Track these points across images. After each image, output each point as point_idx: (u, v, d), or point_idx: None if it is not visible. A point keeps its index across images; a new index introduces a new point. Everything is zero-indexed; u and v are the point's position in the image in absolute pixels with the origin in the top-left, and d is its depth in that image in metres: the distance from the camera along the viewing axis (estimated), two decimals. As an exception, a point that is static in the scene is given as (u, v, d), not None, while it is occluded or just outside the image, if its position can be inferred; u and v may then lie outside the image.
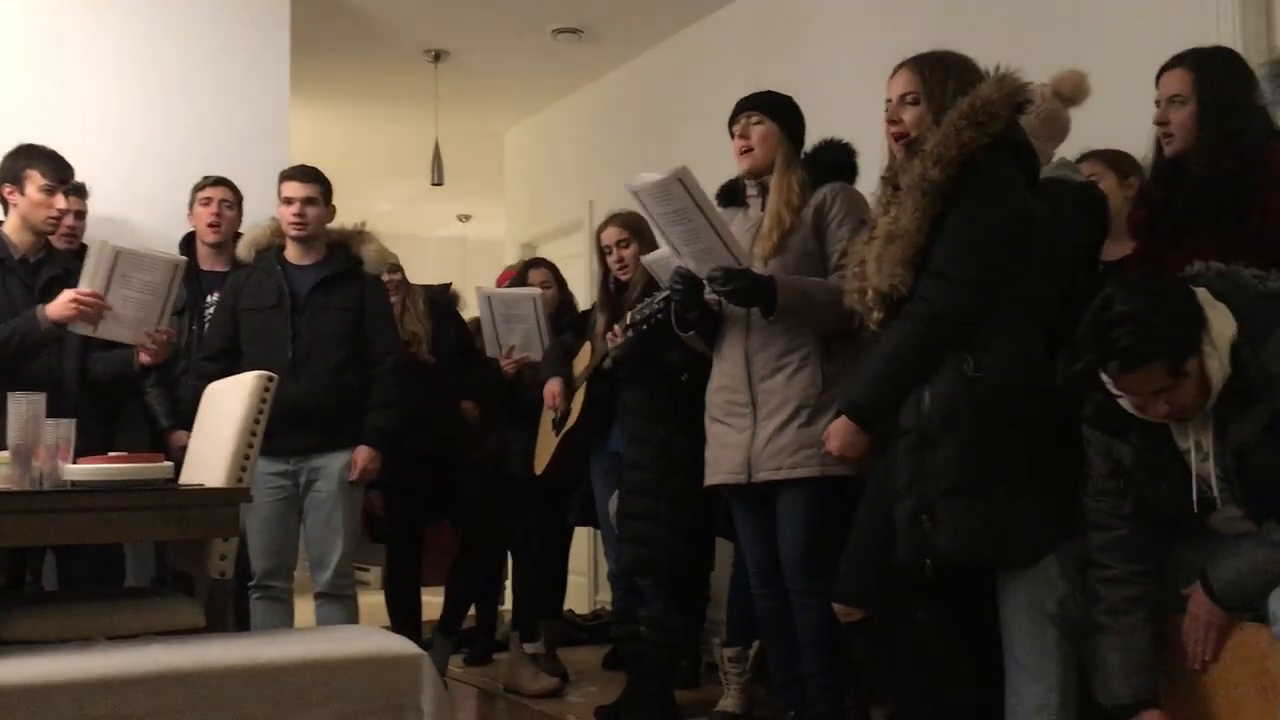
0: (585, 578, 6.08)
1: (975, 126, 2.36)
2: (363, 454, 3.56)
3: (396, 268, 4.31)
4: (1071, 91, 2.92)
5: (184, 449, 3.27)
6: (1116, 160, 3.21)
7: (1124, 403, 2.12)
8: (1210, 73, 2.55)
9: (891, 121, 2.55)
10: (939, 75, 2.48)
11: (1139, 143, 3.15)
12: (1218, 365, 2.02)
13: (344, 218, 3.89)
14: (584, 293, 5.54)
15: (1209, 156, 2.50)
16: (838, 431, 2.56)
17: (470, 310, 4.70)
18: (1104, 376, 2.10)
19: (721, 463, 3.04)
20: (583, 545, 5.83)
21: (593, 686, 4.32)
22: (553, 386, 4.01)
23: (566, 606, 5.37)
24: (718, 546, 4.00)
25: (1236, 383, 2.03)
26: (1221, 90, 2.48)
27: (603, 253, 3.85)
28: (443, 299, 4.52)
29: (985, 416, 2.31)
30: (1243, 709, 2.08)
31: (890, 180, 2.51)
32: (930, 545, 2.32)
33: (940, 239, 2.38)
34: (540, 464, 4.15)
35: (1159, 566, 2.24)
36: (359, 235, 3.82)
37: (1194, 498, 2.13)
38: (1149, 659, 2.17)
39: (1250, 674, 2.07)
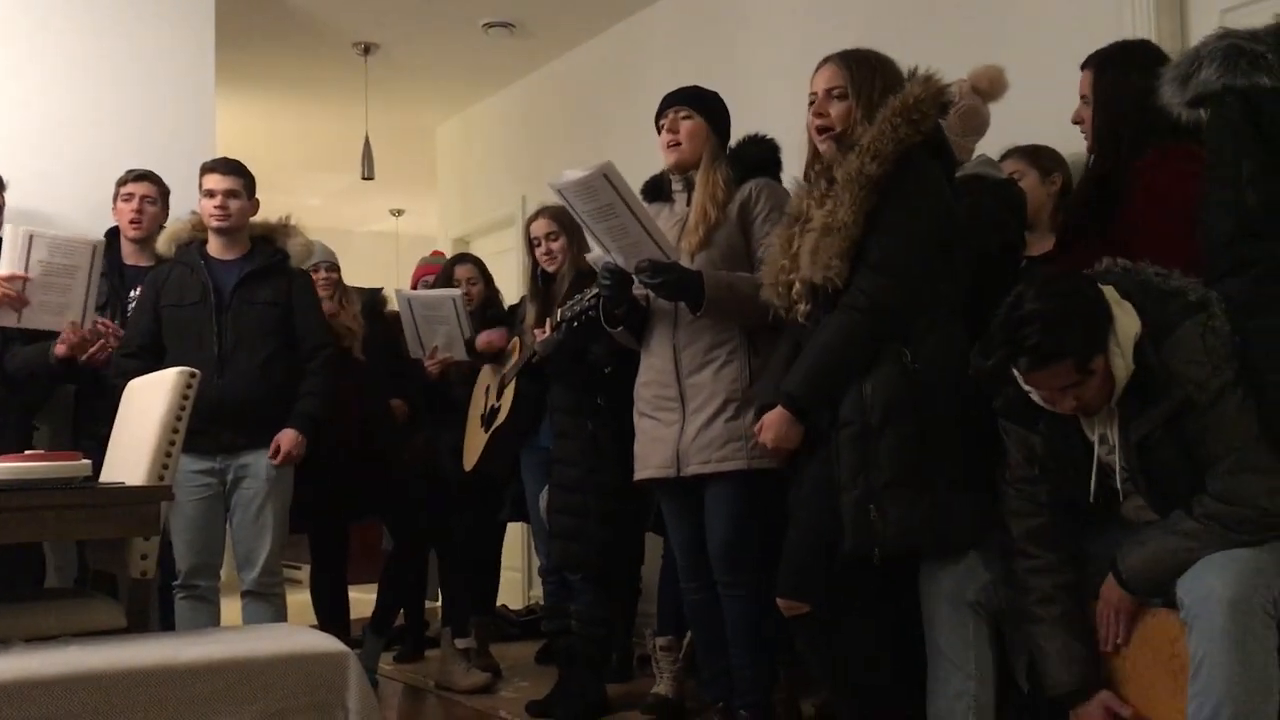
0: (519, 573, 6.07)
1: (910, 124, 2.42)
2: (288, 437, 3.52)
3: (334, 266, 4.27)
4: (990, 87, 2.97)
5: None
6: (1038, 157, 3.26)
7: (1034, 396, 2.17)
8: (1106, 73, 2.61)
9: (818, 115, 2.57)
10: (866, 72, 2.52)
11: (1062, 139, 3.23)
12: (1122, 363, 2.08)
13: (274, 212, 3.85)
14: (517, 287, 5.53)
15: (1096, 157, 2.56)
16: (773, 422, 2.55)
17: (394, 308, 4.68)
18: (1015, 372, 2.14)
19: (650, 457, 3.05)
20: (517, 541, 5.82)
21: (525, 682, 4.32)
22: (492, 335, 4.02)
23: (500, 602, 5.36)
24: (648, 540, 4.02)
25: (1140, 378, 2.08)
26: (1112, 91, 2.53)
27: (531, 244, 3.84)
28: (371, 301, 4.49)
29: (926, 408, 2.36)
30: (1154, 691, 2.14)
31: (824, 174, 2.53)
32: (879, 535, 2.35)
33: (876, 233, 2.42)
34: (470, 460, 4.14)
35: (1080, 554, 2.28)
36: (284, 229, 3.77)
37: (1092, 488, 2.18)
38: (1088, 644, 2.21)
39: (1160, 658, 2.13)
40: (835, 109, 2.54)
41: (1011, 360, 2.11)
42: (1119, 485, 2.18)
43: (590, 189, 2.78)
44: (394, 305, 4.57)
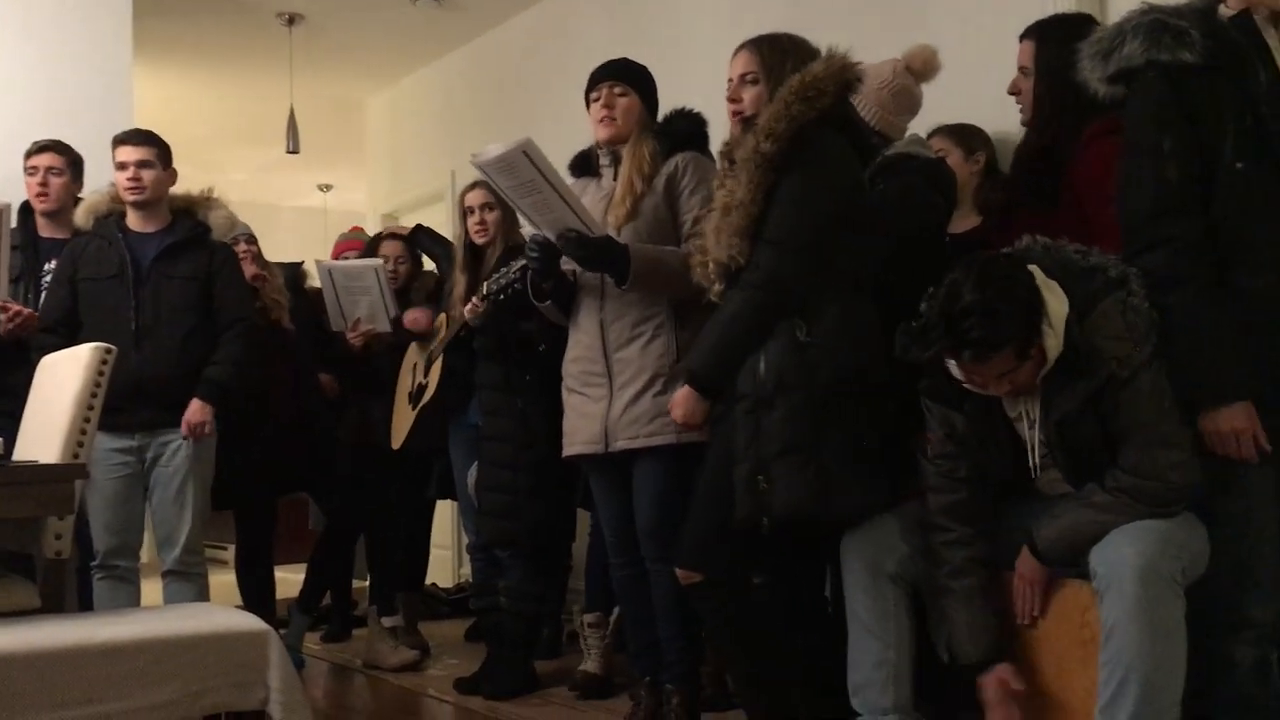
0: (449, 551, 6.04)
1: (804, 102, 2.43)
2: (193, 407, 3.43)
3: (253, 239, 4.20)
4: (922, 67, 2.99)
5: None
6: (964, 136, 3.30)
7: (967, 384, 2.19)
8: (1048, 44, 2.63)
9: (732, 100, 2.60)
10: (777, 55, 2.54)
11: (989, 117, 3.27)
12: (1054, 344, 2.11)
13: (197, 185, 3.77)
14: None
15: (1035, 130, 2.58)
16: (681, 400, 2.59)
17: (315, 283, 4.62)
18: (949, 361, 2.16)
19: (578, 433, 3.05)
20: (446, 518, 5.80)
21: (454, 659, 4.31)
22: (418, 314, 3.99)
23: (430, 580, 5.34)
24: (579, 516, 4.02)
25: (1064, 357, 2.12)
26: (1056, 62, 2.55)
27: (465, 213, 3.80)
28: (292, 275, 4.41)
29: (815, 379, 2.38)
30: (1066, 660, 2.19)
31: (726, 154, 2.56)
32: (766, 504, 2.38)
33: (772, 210, 2.44)
34: (397, 437, 4.10)
35: (994, 527, 2.32)
36: (205, 202, 3.70)
37: (1012, 463, 2.22)
38: (993, 618, 2.25)
39: (1072, 628, 2.17)
40: (748, 94, 2.57)
41: (953, 353, 2.12)
42: (1036, 460, 2.21)
43: (510, 165, 2.77)
44: (315, 280, 4.51)
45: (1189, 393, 2.07)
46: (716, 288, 2.53)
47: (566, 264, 3.03)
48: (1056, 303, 2.12)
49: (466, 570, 5.47)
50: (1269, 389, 2.03)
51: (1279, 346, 2.04)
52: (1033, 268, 2.17)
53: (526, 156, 2.73)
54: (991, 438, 2.25)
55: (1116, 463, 2.10)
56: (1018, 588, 2.23)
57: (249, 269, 3.96)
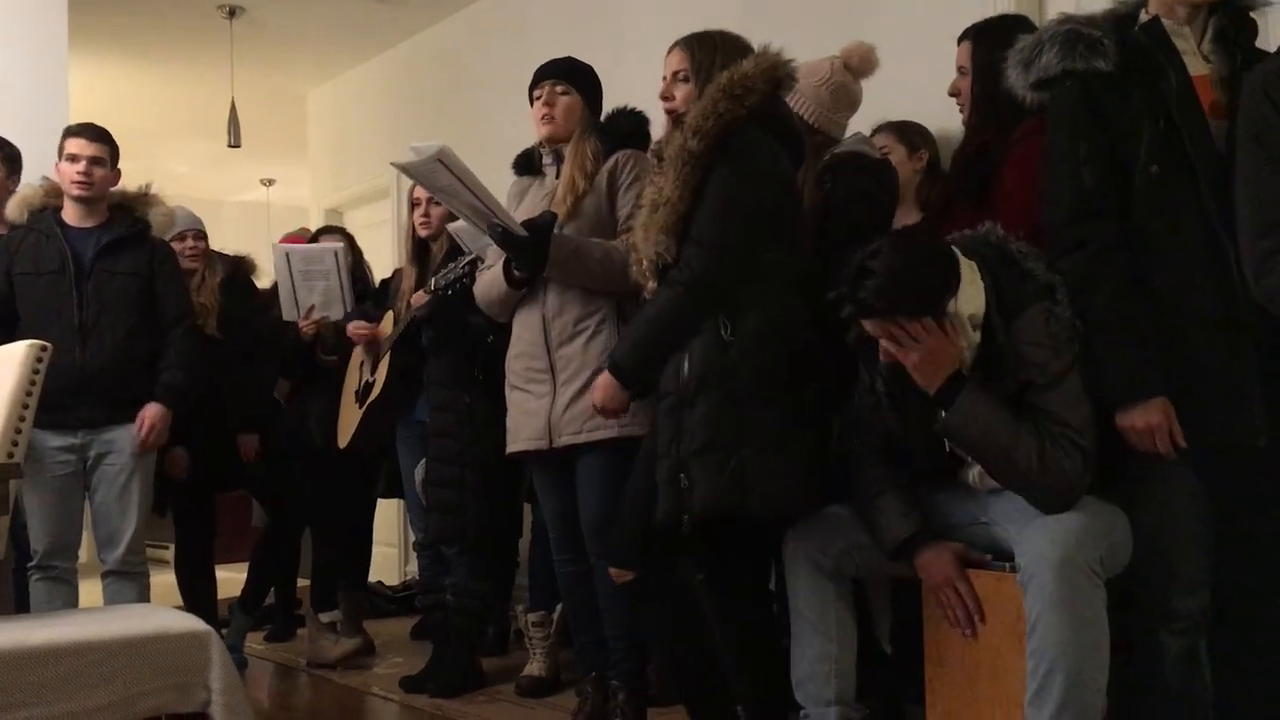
0: (395, 549, 6.01)
1: (732, 100, 2.44)
2: (153, 410, 3.41)
3: (202, 234, 4.14)
4: (860, 64, 3.02)
5: None
6: (907, 133, 3.33)
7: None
8: (985, 44, 2.67)
9: (665, 98, 2.62)
10: (708, 53, 2.55)
11: (933, 115, 3.31)
12: (965, 341, 2.15)
13: (137, 180, 3.71)
14: (392, 261, 5.45)
15: (972, 129, 2.62)
16: (601, 385, 2.60)
17: (266, 278, 4.56)
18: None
19: (522, 429, 3.05)
20: (392, 516, 5.76)
21: (399, 657, 4.29)
22: (355, 322, 3.97)
23: (376, 578, 5.30)
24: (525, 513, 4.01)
25: (988, 353, 2.15)
26: (990, 64, 2.59)
27: (412, 205, 3.79)
28: (236, 269, 4.32)
29: (736, 376, 2.40)
30: (1001, 654, 2.22)
31: (657, 153, 2.57)
32: (686, 503, 2.39)
33: (700, 208, 2.45)
34: (344, 437, 4.07)
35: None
36: (144, 198, 3.64)
37: (927, 442, 2.25)
38: (915, 501, 2.29)
39: (1006, 621, 2.20)
40: (680, 91, 2.58)
41: (846, 305, 2.18)
42: (963, 450, 2.24)
43: (429, 172, 2.77)
44: (264, 275, 4.45)
45: (1107, 391, 2.12)
46: (651, 285, 2.54)
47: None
48: (967, 299, 2.15)
49: (413, 568, 5.44)
50: (1184, 386, 2.07)
51: (1193, 344, 2.09)
52: (969, 262, 2.19)
53: (442, 164, 2.74)
54: (905, 403, 2.28)
55: None
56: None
57: (190, 266, 3.91)
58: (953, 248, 2.23)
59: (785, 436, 2.40)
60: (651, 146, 2.65)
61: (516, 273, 2.98)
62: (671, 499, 2.41)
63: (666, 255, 2.46)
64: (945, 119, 3.29)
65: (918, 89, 3.32)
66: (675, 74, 2.59)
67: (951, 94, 2.82)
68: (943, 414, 2.17)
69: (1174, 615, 2.11)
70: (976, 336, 2.15)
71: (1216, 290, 2.07)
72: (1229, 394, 2.07)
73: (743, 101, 2.43)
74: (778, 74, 2.50)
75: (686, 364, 2.43)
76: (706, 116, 2.42)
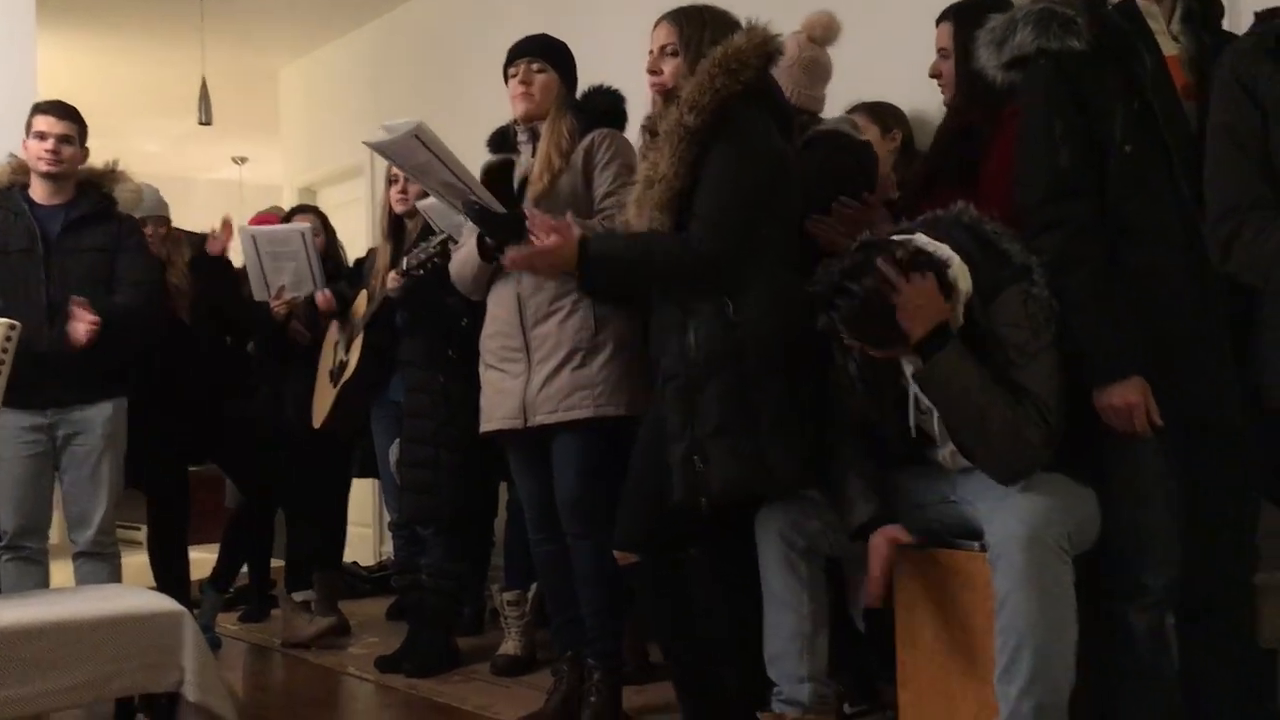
0: (370, 529, 6.00)
1: (728, 74, 2.43)
2: (82, 312, 3.27)
3: (164, 220, 4.09)
4: (823, 33, 3.03)
5: None
6: (880, 114, 3.34)
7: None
8: (966, 25, 2.67)
9: (652, 73, 2.60)
10: (696, 27, 2.54)
11: (907, 96, 3.32)
12: (953, 320, 2.16)
13: (108, 157, 3.66)
14: (366, 239, 5.42)
15: (955, 111, 2.62)
16: (561, 248, 2.47)
17: (236, 258, 4.52)
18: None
19: (497, 409, 3.04)
20: (367, 497, 5.75)
21: (374, 638, 4.28)
22: (323, 293, 3.94)
23: (351, 559, 5.29)
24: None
25: (966, 332, 2.16)
26: (972, 45, 2.58)
27: (389, 181, 3.77)
28: (203, 246, 4.25)
29: (747, 359, 2.40)
30: (974, 630, 2.24)
31: (649, 128, 2.56)
32: (704, 484, 2.40)
33: (701, 185, 2.44)
34: (319, 417, 4.06)
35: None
36: (111, 175, 3.60)
37: (899, 420, 2.27)
38: (879, 484, 2.32)
39: (976, 600, 2.23)
40: (668, 66, 2.56)
41: (825, 315, 2.19)
42: (935, 427, 2.26)
43: (405, 149, 2.75)
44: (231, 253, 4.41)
45: (1084, 370, 2.13)
46: None
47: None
48: (963, 288, 2.16)
49: (388, 549, 5.44)
50: (1160, 365, 2.09)
51: (1169, 323, 2.10)
52: (953, 257, 2.19)
53: (419, 140, 2.71)
54: (879, 386, 2.29)
55: None
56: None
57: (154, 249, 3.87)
58: (945, 259, 2.20)
59: (798, 413, 2.41)
60: (643, 122, 2.62)
61: (489, 241, 2.97)
62: (687, 482, 2.41)
63: (661, 231, 2.45)
64: (918, 99, 3.29)
65: (891, 69, 3.32)
66: (663, 48, 2.57)
67: (932, 75, 2.81)
68: (920, 363, 2.17)
69: (1143, 592, 2.13)
70: (960, 318, 2.16)
71: (1191, 269, 2.08)
72: (1204, 372, 2.08)
73: (738, 77, 2.42)
74: (769, 49, 2.50)
75: (692, 344, 2.43)
76: (703, 92, 2.41)
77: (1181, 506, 2.13)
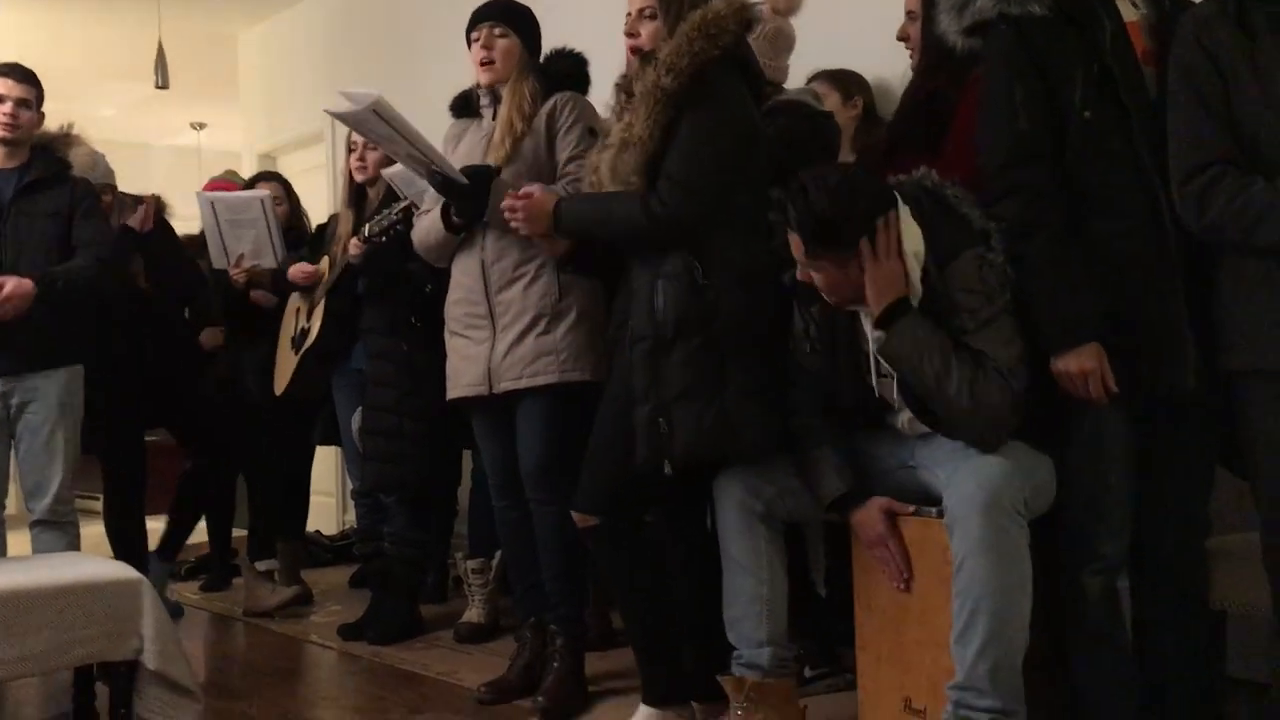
0: (333, 498, 5.97)
1: (706, 39, 2.43)
2: (14, 280, 3.20)
3: (109, 188, 4.01)
4: (787, 5, 3.02)
5: None
6: (842, 80, 3.33)
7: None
8: None
9: (630, 35, 2.58)
10: None
11: (870, 64, 3.31)
12: (912, 289, 2.16)
13: (61, 121, 3.62)
14: (327, 206, 5.36)
15: (921, 75, 2.62)
16: (540, 203, 2.61)
17: (182, 225, 4.47)
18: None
19: (462, 375, 3.03)
20: (330, 465, 5.72)
21: (337, 605, 4.28)
22: (304, 267, 3.89)
23: (314, 528, 5.27)
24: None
25: (921, 300, 2.17)
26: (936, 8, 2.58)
27: (349, 148, 3.74)
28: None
29: (715, 322, 2.41)
30: (930, 596, 2.26)
31: (624, 87, 2.55)
32: (668, 447, 2.40)
33: (674, 146, 2.44)
34: (280, 384, 4.03)
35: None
36: (65, 139, 3.56)
37: (860, 386, 2.28)
38: (850, 456, 2.33)
39: (933, 565, 2.25)
40: (646, 29, 2.56)
41: (777, 214, 2.21)
42: (895, 389, 2.27)
43: (364, 121, 2.73)
44: (176, 215, 4.35)
45: (1041, 336, 2.14)
46: None
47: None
48: (913, 236, 2.17)
49: (351, 518, 5.43)
50: (1117, 330, 2.11)
51: (1126, 288, 2.11)
52: (904, 209, 2.21)
53: (377, 115, 2.69)
54: (836, 349, 2.30)
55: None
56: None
57: None
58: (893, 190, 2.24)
59: (765, 379, 2.42)
60: (617, 80, 2.61)
61: (455, 219, 2.95)
62: (651, 444, 2.42)
63: None
64: (880, 66, 3.29)
65: (852, 36, 3.32)
66: (641, 11, 2.56)
67: (900, 38, 2.81)
68: (881, 335, 2.19)
69: (1098, 556, 2.16)
70: (918, 277, 2.16)
71: (1148, 235, 2.09)
72: (1160, 339, 2.10)
73: (716, 42, 2.42)
74: (747, 15, 2.50)
75: (661, 307, 2.43)
76: (681, 54, 2.41)
77: (1136, 472, 2.15)
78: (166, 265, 4.10)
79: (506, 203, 2.66)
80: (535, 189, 2.65)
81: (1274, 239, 1.92)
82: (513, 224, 2.67)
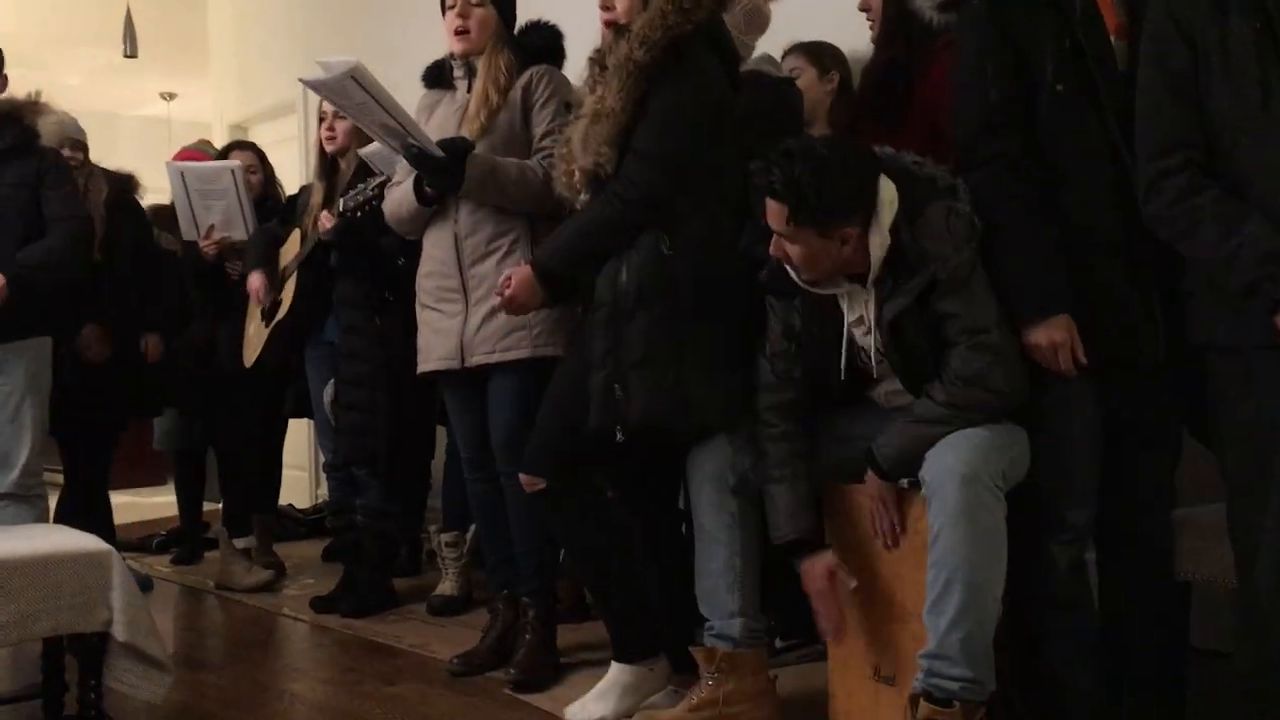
0: (305, 472, 5.95)
1: (680, 13, 2.42)
2: None
3: (80, 144, 3.96)
4: None
5: None
6: (818, 54, 3.32)
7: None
8: None
9: (604, 8, 2.57)
10: None
11: (847, 37, 3.31)
12: (879, 241, 2.16)
13: (26, 89, 3.55)
14: (299, 177, 5.32)
15: (882, 47, 2.62)
16: (520, 278, 2.58)
17: (152, 197, 4.41)
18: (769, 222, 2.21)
19: (433, 349, 3.02)
20: (302, 438, 5.69)
21: (310, 579, 4.27)
22: (255, 281, 3.85)
23: (286, 501, 5.25)
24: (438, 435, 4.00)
25: (895, 258, 2.17)
26: None
27: (320, 119, 3.71)
28: (122, 188, 4.08)
29: (678, 292, 2.41)
30: (901, 566, 2.28)
31: (598, 60, 2.53)
32: (621, 414, 2.40)
33: (643, 120, 2.43)
34: (250, 356, 4.00)
35: (832, 434, 2.40)
36: (33, 107, 3.49)
37: (841, 366, 2.27)
38: (811, 501, 2.34)
39: (906, 536, 2.27)
40: (621, 2, 2.54)
41: (761, 180, 2.17)
42: (874, 365, 2.27)
43: (341, 89, 2.70)
44: (149, 192, 4.30)
45: (1012, 307, 2.15)
46: (583, 197, 2.52)
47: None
48: (889, 199, 2.16)
49: (324, 492, 5.41)
50: (1086, 303, 2.12)
51: (1095, 261, 2.13)
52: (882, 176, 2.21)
53: (355, 81, 2.66)
54: (825, 340, 2.30)
55: (944, 372, 2.17)
56: (872, 510, 2.30)
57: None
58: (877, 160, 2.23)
59: (724, 352, 2.42)
60: (590, 54, 2.59)
61: (428, 189, 2.93)
62: (605, 410, 2.41)
63: (607, 166, 2.44)
64: (857, 40, 3.28)
65: (829, 10, 3.30)
66: None
67: (862, 9, 2.81)
68: (878, 457, 2.24)
69: (1065, 527, 2.17)
70: (887, 237, 2.16)
71: (1117, 208, 2.10)
72: (1129, 310, 2.12)
73: (690, 16, 2.42)
74: None
75: (624, 275, 2.42)
76: (655, 28, 2.40)
77: (1104, 443, 2.17)
78: (133, 256, 4.02)
79: (498, 304, 2.64)
80: (506, 272, 2.63)
81: (1194, 253, 1.94)
82: (509, 312, 2.65)
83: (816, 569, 2.32)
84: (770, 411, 2.36)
